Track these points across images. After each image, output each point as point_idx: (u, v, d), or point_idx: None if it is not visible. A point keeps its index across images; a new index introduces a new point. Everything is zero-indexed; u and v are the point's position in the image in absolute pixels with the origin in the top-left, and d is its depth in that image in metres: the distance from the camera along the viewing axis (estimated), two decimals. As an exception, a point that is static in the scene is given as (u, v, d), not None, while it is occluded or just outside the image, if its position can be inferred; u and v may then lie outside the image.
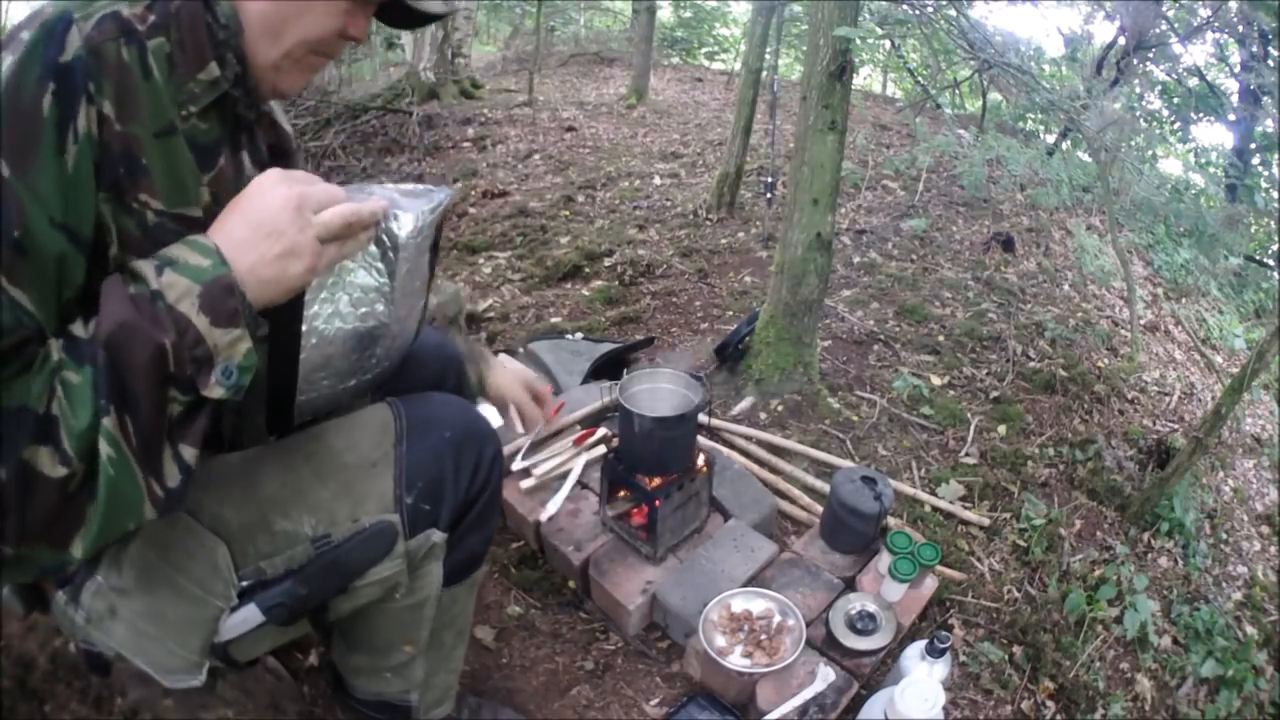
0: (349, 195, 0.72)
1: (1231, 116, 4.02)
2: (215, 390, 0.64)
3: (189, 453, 0.66)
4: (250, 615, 0.82)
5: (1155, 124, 4.42)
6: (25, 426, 0.57)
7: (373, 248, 0.77)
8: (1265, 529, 2.68)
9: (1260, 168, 3.86)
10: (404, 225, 0.77)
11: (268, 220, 0.65)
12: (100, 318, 0.60)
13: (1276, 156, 3.78)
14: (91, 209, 0.65)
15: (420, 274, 0.91)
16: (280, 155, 0.88)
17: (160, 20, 0.68)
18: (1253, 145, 4.04)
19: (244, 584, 0.82)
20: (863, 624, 1.49)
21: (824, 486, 1.92)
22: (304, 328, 0.77)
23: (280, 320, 0.74)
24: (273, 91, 0.77)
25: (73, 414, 0.58)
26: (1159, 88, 4.27)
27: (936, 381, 2.65)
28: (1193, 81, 4.11)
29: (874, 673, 1.48)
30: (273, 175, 0.68)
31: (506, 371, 1.29)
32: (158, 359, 0.60)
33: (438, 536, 0.91)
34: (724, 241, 3.71)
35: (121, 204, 0.66)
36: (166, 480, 0.64)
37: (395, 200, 0.79)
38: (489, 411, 2.05)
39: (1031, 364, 2.89)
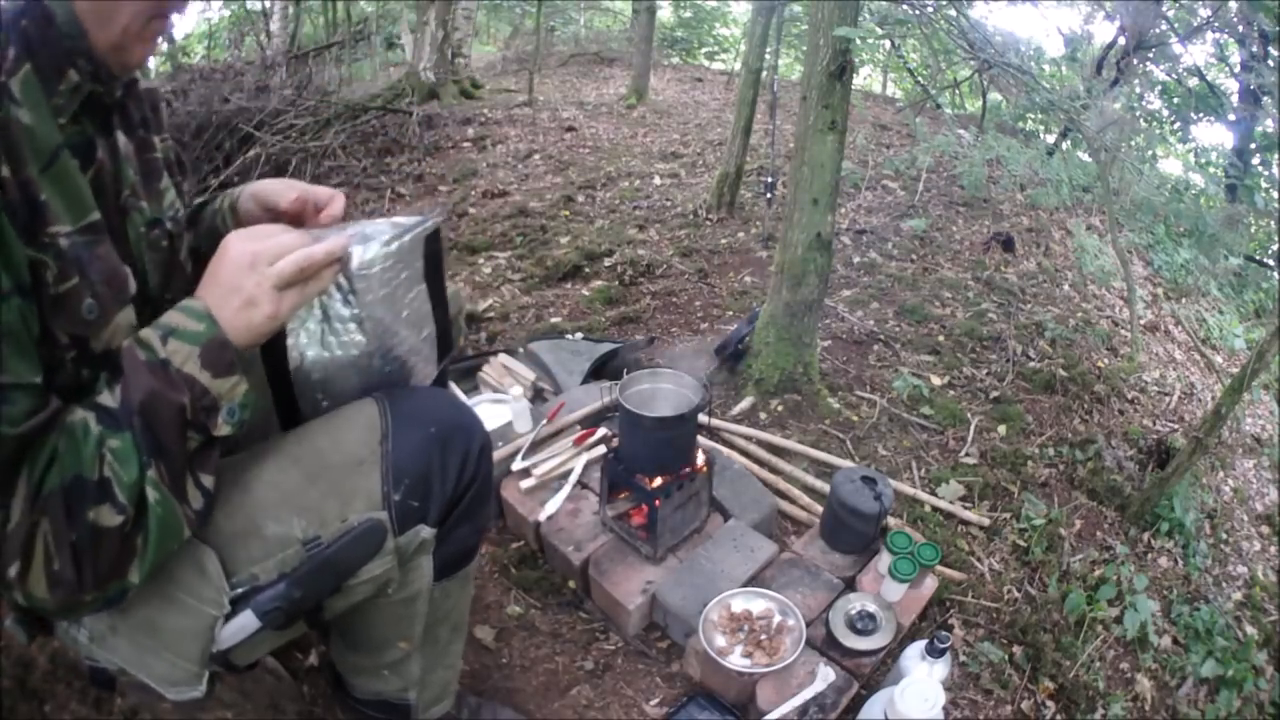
0: (311, 239, 0.79)
1: (1231, 116, 4.01)
2: (223, 429, 0.75)
3: (207, 479, 0.77)
4: (247, 622, 0.82)
5: (1155, 124, 4.42)
6: (87, 493, 0.66)
7: (343, 280, 0.85)
8: (1265, 529, 2.68)
9: (1260, 168, 3.86)
10: (354, 257, 0.83)
11: (228, 278, 0.75)
12: (128, 388, 0.70)
13: (1276, 156, 3.77)
14: (24, 256, 0.66)
15: (404, 303, 0.92)
16: (154, 110, 0.92)
17: (19, 49, 0.68)
18: (1253, 145, 4.04)
19: (238, 590, 0.82)
20: (863, 624, 1.49)
21: (824, 486, 1.92)
22: (293, 354, 0.89)
23: (267, 353, 0.86)
24: (122, 69, 0.77)
25: (124, 471, 0.68)
26: (1159, 88, 4.27)
27: (936, 381, 2.65)
28: (1193, 81, 4.11)
29: (874, 673, 1.48)
30: (234, 237, 0.77)
31: (268, 181, 1.03)
32: (180, 415, 0.71)
33: (426, 532, 0.91)
34: (724, 241, 3.71)
35: (36, 243, 0.67)
36: (192, 504, 0.75)
37: (366, 233, 0.86)
38: (488, 411, 2.05)
39: (1031, 364, 2.89)
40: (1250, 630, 2.12)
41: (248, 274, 0.74)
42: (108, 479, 0.67)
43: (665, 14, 10.73)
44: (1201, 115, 4.06)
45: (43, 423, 0.66)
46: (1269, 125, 3.87)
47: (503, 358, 2.34)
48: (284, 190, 0.95)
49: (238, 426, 0.76)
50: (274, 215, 0.95)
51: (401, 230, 0.87)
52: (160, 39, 0.78)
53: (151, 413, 0.69)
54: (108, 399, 0.70)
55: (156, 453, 0.70)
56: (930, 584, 1.66)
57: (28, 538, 0.65)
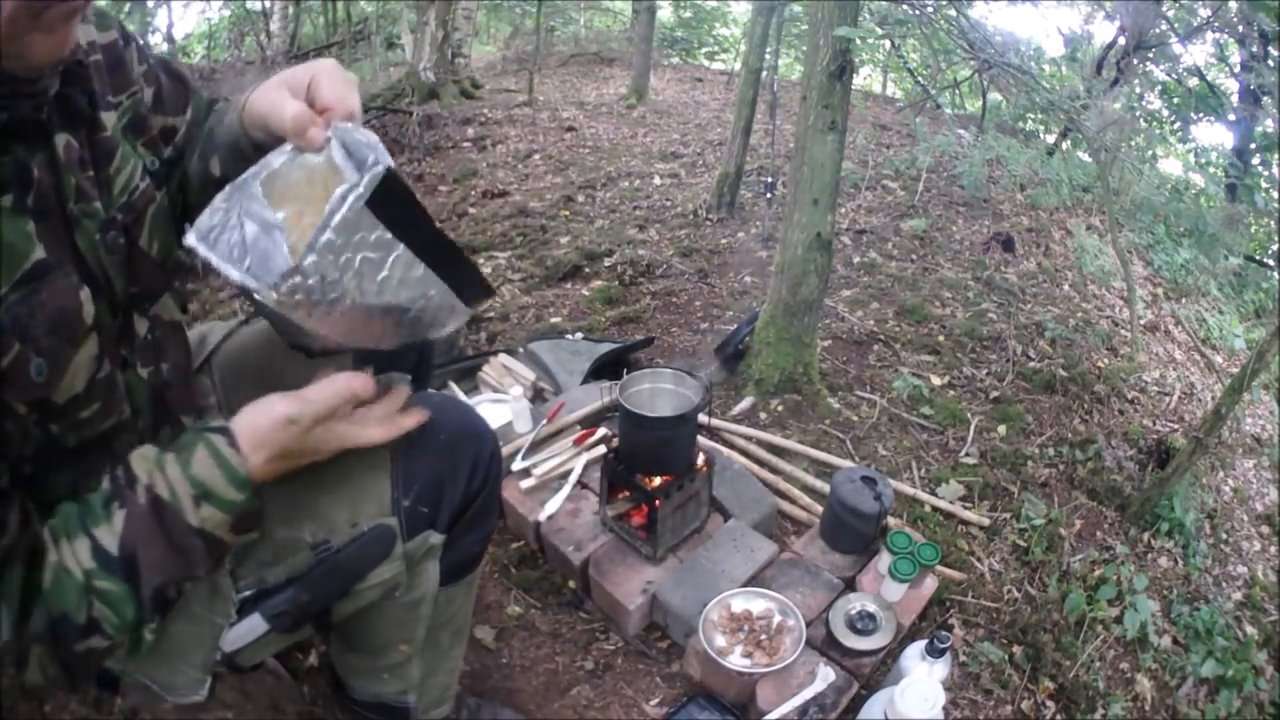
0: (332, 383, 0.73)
1: (1231, 116, 4.02)
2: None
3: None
4: (255, 625, 0.82)
5: (1155, 124, 4.42)
6: (74, 632, 0.64)
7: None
8: (1265, 529, 2.68)
9: (1260, 168, 3.86)
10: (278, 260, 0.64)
11: (283, 445, 0.72)
12: (143, 560, 0.65)
13: (1276, 156, 3.78)
14: None
15: (378, 285, 0.69)
16: (115, 68, 0.77)
17: None
18: (1253, 145, 4.05)
19: (246, 593, 0.82)
20: (863, 624, 1.49)
21: (824, 486, 1.92)
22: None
23: None
24: (30, 70, 0.63)
25: (115, 615, 0.65)
26: (1159, 88, 4.27)
27: (936, 381, 2.65)
28: (1193, 81, 4.12)
29: (874, 673, 1.48)
30: (273, 418, 0.71)
31: (268, 88, 0.76)
32: (191, 579, 0.70)
33: (435, 538, 0.91)
34: (724, 241, 3.71)
35: None
36: None
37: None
38: (488, 411, 2.05)
39: (1031, 364, 2.89)
40: (1250, 630, 2.12)
41: (299, 439, 0.72)
42: (96, 620, 0.64)
43: (665, 14, 10.72)
44: (1201, 115, 4.07)
45: (7, 548, 0.61)
46: (1269, 125, 3.87)
47: (503, 358, 2.34)
48: (281, 108, 0.70)
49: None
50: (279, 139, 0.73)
51: (330, 207, 0.64)
52: (72, 32, 0.62)
53: (165, 591, 0.68)
54: (107, 536, 0.64)
55: (161, 612, 0.69)
56: (930, 584, 1.66)
57: (20, 655, 0.63)
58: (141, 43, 0.84)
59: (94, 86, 0.74)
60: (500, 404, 2.09)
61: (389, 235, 0.67)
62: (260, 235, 0.66)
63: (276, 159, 0.69)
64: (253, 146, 0.76)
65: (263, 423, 0.70)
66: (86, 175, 0.71)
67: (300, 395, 0.70)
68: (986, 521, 2.02)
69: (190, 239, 0.67)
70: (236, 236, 0.67)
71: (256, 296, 0.64)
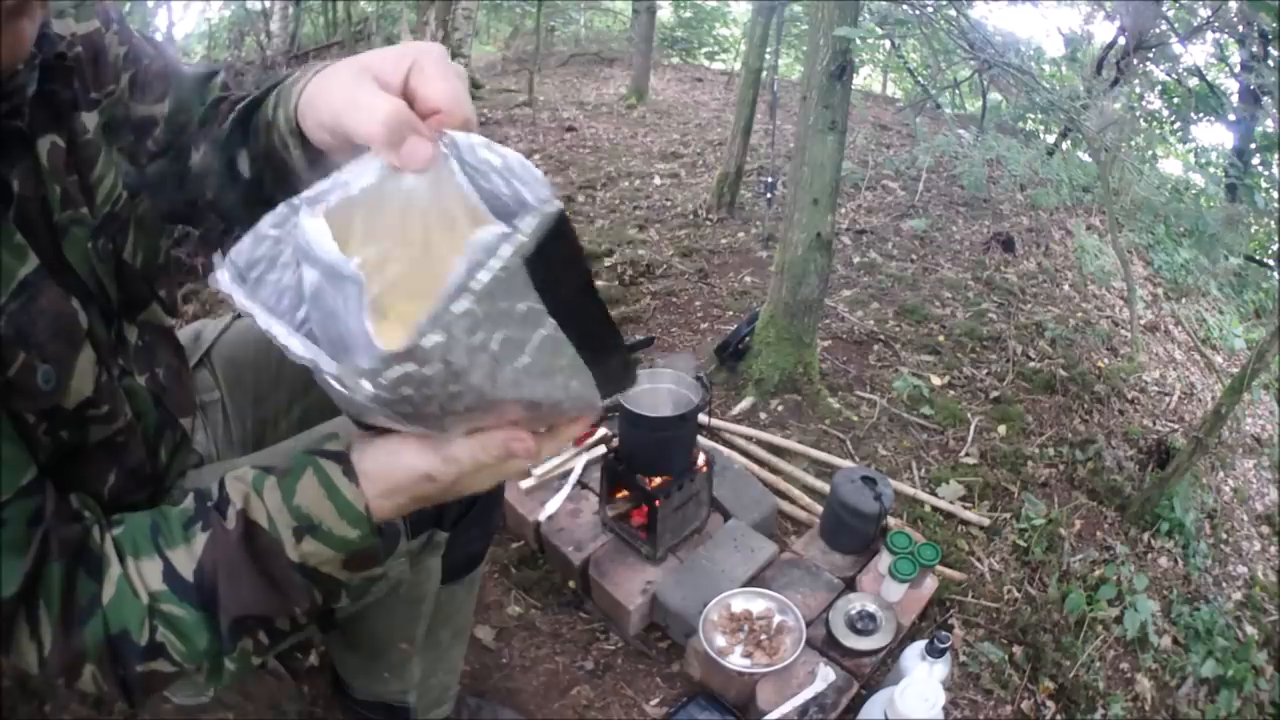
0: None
1: (1231, 116, 4.02)
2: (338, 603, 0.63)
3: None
4: None
5: (1155, 124, 4.43)
6: (135, 652, 0.57)
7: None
8: (1265, 529, 2.68)
9: (1260, 168, 3.86)
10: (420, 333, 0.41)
11: (413, 491, 0.59)
12: (223, 589, 0.58)
13: (1276, 156, 3.78)
14: None
15: (511, 372, 0.46)
16: (96, 60, 0.70)
17: None
18: (1253, 145, 4.05)
19: None
20: (863, 624, 1.49)
21: (824, 486, 1.92)
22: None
23: None
24: None
25: (183, 643, 0.58)
26: (1159, 88, 4.27)
27: (936, 381, 2.65)
28: (1193, 81, 4.12)
29: (874, 673, 1.48)
30: (416, 462, 0.56)
31: (337, 73, 0.55)
32: (290, 616, 0.61)
33: (440, 535, 0.91)
34: (724, 241, 3.71)
35: None
36: None
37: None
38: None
39: (1031, 364, 2.89)
40: (1250, 630, 2.12)
41: (438, 492, 0.59)
42: (160, 644, 0.58)
43: (665, 14, 10.71)
44: (1201, 115, 4.07)
45: (43, 537, 0.55)
46: (1269, 125, 3.87)
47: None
48: (364, 116, 0.50)
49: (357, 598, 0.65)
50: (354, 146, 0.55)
51: (471, 261, 0.41)
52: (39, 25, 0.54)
53: (254, 625, 0.60)
54: (183, 560, 0.58)
55: (241, 637, 0.60)
56: (930, 584, 1.66)
57: (71, 665, 0.57)
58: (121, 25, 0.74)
59: (77, 81, 0.66)
60: (500, 404, 2.09)
61: (539, 305, 0.45)
62: (325, 286, 0.48)
63: (356, 178, 0.49)
64: (309, 157, 0.58)
65: (398, 474, 0.58)
66: (72, 180, 0.66)
67: (445, 453, 0.54)
68: (986, 521, 2.02)
69: (223, 278, 0.49)
70: (290, 279, 0.51)
71: (337, 386, 0.44)
